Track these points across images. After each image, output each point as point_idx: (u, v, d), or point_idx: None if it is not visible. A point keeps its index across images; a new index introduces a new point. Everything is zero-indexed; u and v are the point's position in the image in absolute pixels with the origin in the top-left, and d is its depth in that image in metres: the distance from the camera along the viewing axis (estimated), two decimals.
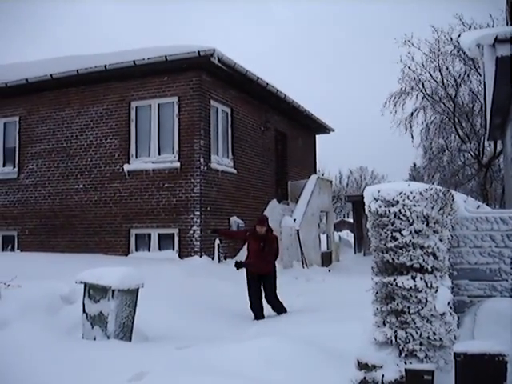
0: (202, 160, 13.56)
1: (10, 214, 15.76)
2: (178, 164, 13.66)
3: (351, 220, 37.56)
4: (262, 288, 9.41)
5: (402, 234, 5.02)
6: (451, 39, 25.36)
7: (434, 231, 5.07)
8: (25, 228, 15.52)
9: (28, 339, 6.71)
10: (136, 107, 14.47)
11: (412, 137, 28.53)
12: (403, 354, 4.95)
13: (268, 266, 9.45)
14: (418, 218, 5.01)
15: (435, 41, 25.91)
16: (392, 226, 5.05)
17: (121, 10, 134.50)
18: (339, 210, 61.71)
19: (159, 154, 14.10)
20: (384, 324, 5.11)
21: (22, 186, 15.71)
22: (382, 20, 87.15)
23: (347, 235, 35.38)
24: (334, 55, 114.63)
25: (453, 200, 5.56)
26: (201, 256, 13.07)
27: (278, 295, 9.51)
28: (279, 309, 9.40)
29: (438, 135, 28.63)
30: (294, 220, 16.32)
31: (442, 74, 26.60)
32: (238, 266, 9.43)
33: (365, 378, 5.05)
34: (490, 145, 26.43)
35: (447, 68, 26.52)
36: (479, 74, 24.52)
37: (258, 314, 9.23)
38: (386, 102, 28.06)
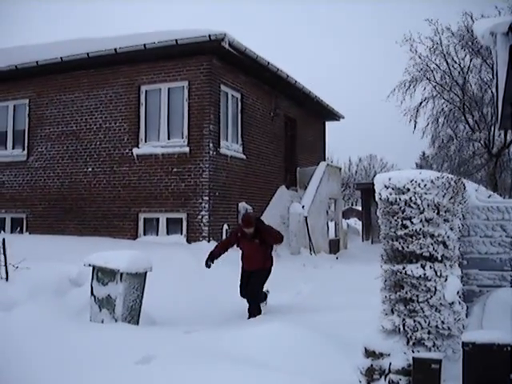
0: (211, 145, 13.52)
1: (19, 197, 15.80)
2: (187, 149, 13.63)
3: (359, 208, 37.54)
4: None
5: (412, 222, 4.99)
6: (452, 33, 25.50)
7: (445, 220, 5.04)
8: (34, 210, 15.56)
9: (36, 321, 6.75)
10: (146, 91, 14.42)
11: (414, 127, 28.36)
12: (411, 343, 4.94)
13: (265, 263, 8.76)
14: (428, 206, 4.98)
15: (435, 32, 26.01)
16: (402, 213, 5.03)
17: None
18: (347, 198, 61.54)
19: (168, 138, 14.06)
20: (392, 312, 5.10)
21: (31, 168, 15.73)
22: (392, 8, 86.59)
23: (355, 223, 35.35)
24: (345, 43, 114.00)
25: (464, 189, 5.52)
26: (209, 241, 13.06)
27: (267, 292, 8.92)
28: (253, 310, 8.49)
29: (448, 124, 28.46)
30: (303, 207, 16.30)
31: (448, 64, 26.53)
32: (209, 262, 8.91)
33: (372, 365, 5.05)
34: (499, 134, 26.29)
35: (453, 58, 26.49)
36: (487, 64, 24.44)
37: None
38: (394, 89, 27.86)
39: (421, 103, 28.07)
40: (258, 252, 8.66)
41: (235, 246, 9.03)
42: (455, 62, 26.51)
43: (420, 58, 26.72)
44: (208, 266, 8.84)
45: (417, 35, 26.88)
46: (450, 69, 26.58)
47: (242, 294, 8.71)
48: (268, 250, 8.82)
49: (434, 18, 26.12)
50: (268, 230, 8.80)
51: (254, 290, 8.61)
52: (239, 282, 8.83)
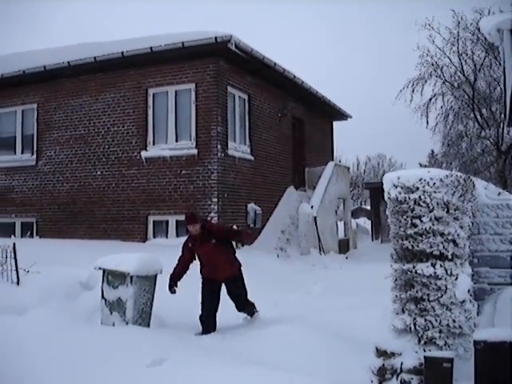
0: (219, 147, 13.53)
1: (28, 201, 15.87)
2: (195, 151, 13.65)
3: (368, 207, 37.42)
4: (219, 297, 7.65)
5: (421, 221, 4.97)
6: (469, 25, 25.14)
7: (455, 218, 5.02)
8: (43, 215, 15.63)
9: (47, 324, 6.77)
10: (153, 94, 14.46)
11: (427, 122, 28.14)
12: (422, 342, 4.92)
13: (233, 266, 7.77)
14: (438, 204, 4.96)
15: (455, 25, 25.57)
16: (412, 212, 5.01)
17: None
18: (356, 197, 61.34)
19: (176, 140, 14.09)
20: (403, 311, 5.08)
21: (40, 172, 15.80)
22: (402, 6, 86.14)
23: (364, 222, 35.23)
24: (352, 41, 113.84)
25: (473, 187, 5.50)
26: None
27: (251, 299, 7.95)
28: (251, 311, 7.93)
29: (457, 122, 28.29)
30: (312, 207, 16.28)
31: (461, 60, 26.28)
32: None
33: (383, 365, 5.03)
34: (508, 131, 26.11)
35: (467, 54, 26.20)
36: (498, 60, 24.21)
37: (208, 328, 7.42)
38: (403, 88, 27.69)
39: (430, 99, 27.89)
40: (218, 254, 7.65)
41: (195, 260, 7.92)
42: (469, 57, 26.23)
43: (428, 53, 26.48)
44: (172, 291, 7.73)
45: (437, 24, 26.32)
46: (462, 65, 26.36)
47: (203, 319, 7.54)
48: (229, 250, 7.91)
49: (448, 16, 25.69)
50: (220, 227, 8.25)
51: (243, 301, 7.90)
52: (208, 302, 7.61)
